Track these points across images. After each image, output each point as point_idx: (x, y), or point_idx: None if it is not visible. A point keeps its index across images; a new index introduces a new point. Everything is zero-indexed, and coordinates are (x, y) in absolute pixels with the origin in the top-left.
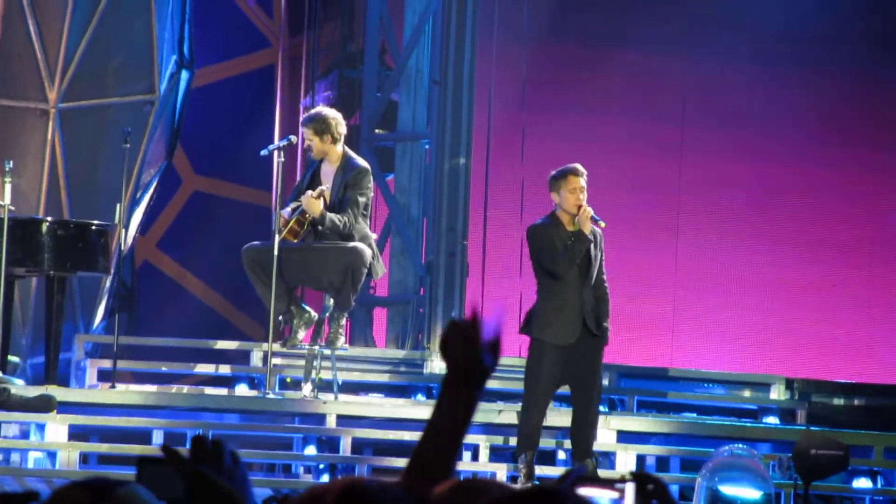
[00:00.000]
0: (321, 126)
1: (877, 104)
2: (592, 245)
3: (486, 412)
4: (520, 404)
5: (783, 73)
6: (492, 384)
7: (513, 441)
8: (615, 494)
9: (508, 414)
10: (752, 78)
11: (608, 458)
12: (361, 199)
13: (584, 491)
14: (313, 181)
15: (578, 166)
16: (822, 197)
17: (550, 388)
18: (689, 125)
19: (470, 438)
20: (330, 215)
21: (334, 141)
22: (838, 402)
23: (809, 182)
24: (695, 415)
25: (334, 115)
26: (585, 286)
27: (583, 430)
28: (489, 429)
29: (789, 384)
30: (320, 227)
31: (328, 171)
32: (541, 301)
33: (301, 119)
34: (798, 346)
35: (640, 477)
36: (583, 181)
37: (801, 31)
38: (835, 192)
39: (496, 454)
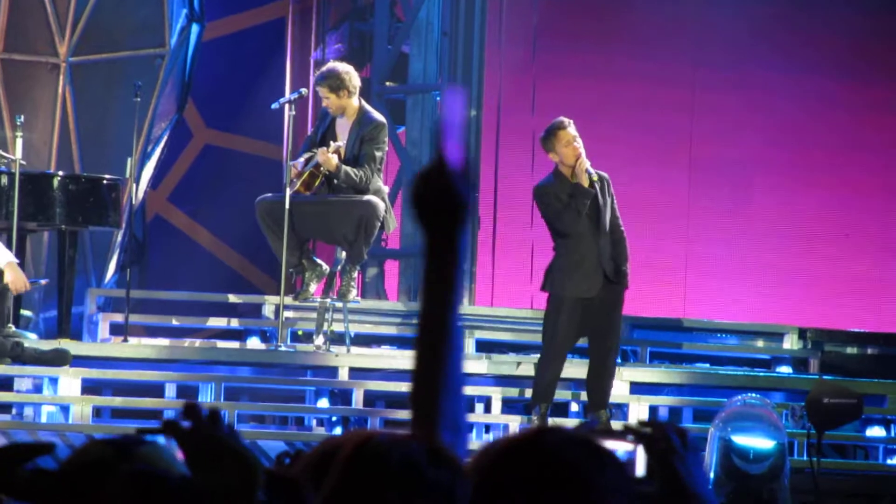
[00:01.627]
0: (336, 82)
1: None
2: (600, 193)
3: (500, 364)
4: (532, 356)
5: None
6: (504, 336)
7: (527, 393)
8: (629, 446)
9: (525, 366)
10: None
11: (621, 410)
12: (377, 154)
13: None
14: (327, 134)
15: (563, 119)
16: (835, 140)
17: (569, 342)
18: (703, 62)
19: (483, 390)
20: (346, 168)
21: (350, 95)
22: (851, 350)
23: (822, 125)
24: (707, 365)
25: (346, 69)
26: (600, 235)
27: (599, 382)
28: (502, 381)
29: (802, 334)
30: (335, 181)
31: (344, 125)
32: (558, 257)
33: (314, 77)
34: (811, 295)
35: (649, 426)
36: (572, 131)
37: None
38: (849, 135)
39: (508, 406)
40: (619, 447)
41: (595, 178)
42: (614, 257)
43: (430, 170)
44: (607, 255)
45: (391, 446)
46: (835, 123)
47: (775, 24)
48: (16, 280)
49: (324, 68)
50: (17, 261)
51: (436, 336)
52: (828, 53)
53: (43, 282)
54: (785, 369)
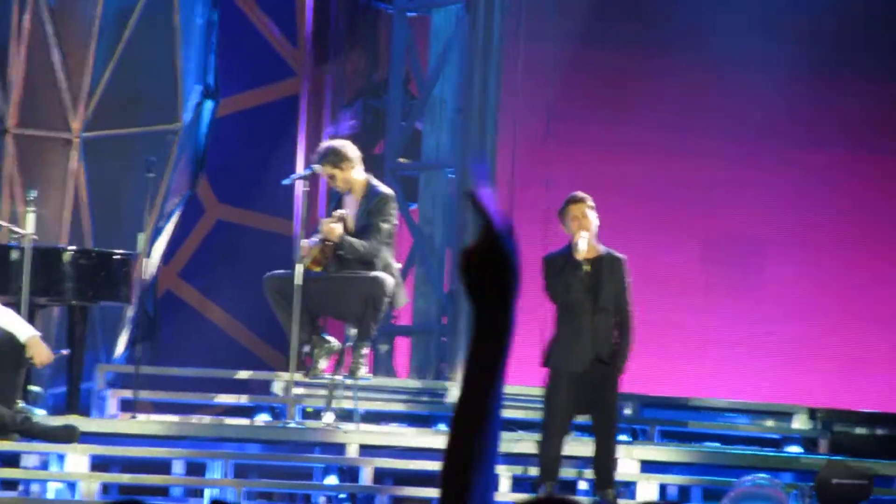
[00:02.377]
0: (334, 158)
1: None
2: (603, 271)
3: (505, 441)
4: (536, 433)
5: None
6: (512, 414)
7: (532, 471)
8: None
9: (527, 443)
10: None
11: (629, 488)
12: (385, 226)
13: None
14: (336, 210)
15: (578, 194)
16: (851, 218)
17: (567, 417)
18: (724, 137)
19: None
20: (349, 239)
21: (352, 166)
22: (861, 431)
23: (837, 199)
24: (717, 444)
25: (342, 143)
26: (596, 313)
27: (602, 460)
28: (510, 458)
29: (812, 413)
30: (340, 252)
31: (352, 200)
32: (555, 329)
33: (314, 159)
34: (821, 375)
35: None
36: (583, 207)
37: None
38: (867, 214)
39: (518, 484)
40: None
41: (582, 253)
42: (608, 338)
43: (481, 242)
44: (602, 335)
45: None
46: (846, 197)
47: (796, 97)
48: (40, 354)
49: (319, 149)
50: (40, 334)
51: (476, 421)
52: (847, 125)
53: (65, 352)
54: (794, 449)
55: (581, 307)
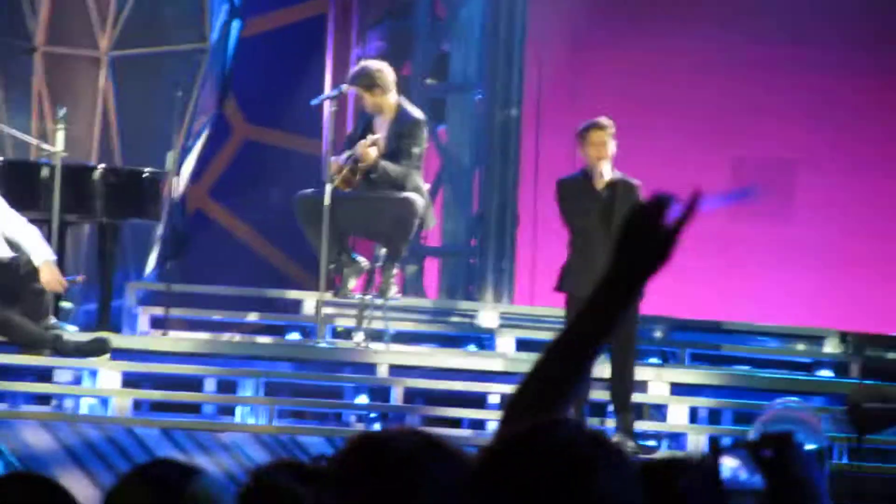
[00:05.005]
0: (367, 80)
1: None
2: (616, 197)
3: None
4: None
5: None
6: (544, 335)
7: None
8: (734, 462)
9: None
10: None
11: (660, 411)
12: (415, 151)
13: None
14: (366, 132)
15: (601, 120)
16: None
17: None
18: (751, 39)
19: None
20: (384, 163)
21: (384, 92)
22: (893, 356)
23: (875, 109)
24: (748, 368)
25: (378, 66)
26: (611, 238)
27: (616, 386)
28: None
29: (843, 337)
30: (373, 175)
31: (382, 123)
32: (570, 255)
33: (348, 77)
34: (854, 300)
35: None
36: (605, 135)
37: None
38: None
39: None
40: (727, 462)
41: (605, 181)
42: None
43: (651, 206)
44: None
45: (391, 438)
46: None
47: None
48: (51, 280)
49: (356, 67)
50: (55, 258)
51: (580, 355)
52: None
53: (79, 278)
54: (826, 373)
55: (595, 232)
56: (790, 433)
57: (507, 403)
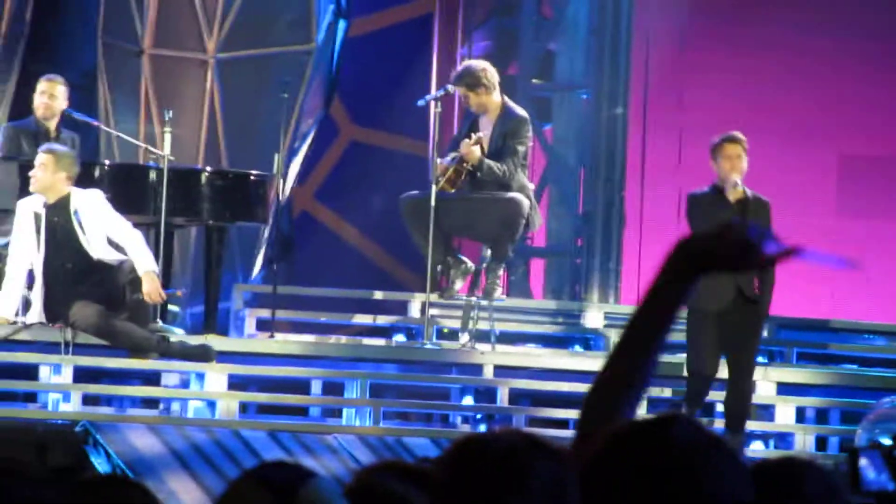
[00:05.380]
0: (471, 80)
1: None
2: (746, 211)
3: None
4: (678, 355)
5: None
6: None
7: (667, 391)
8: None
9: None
10: None
11: (767, 411)
12: (520, 149)
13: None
14: (471, 132)
15: (735, 134)
16: None
17: (712, 354)
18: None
19: None
20: (488, 162)
21: (488, 91)
22: None
23: None
24: (855, 366)
25: (483, 66)
26: None
27: (731, 403)
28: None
29: None
30: (478, 175)
31: (486, 122)
32: None
33: (451, 77)
34: None
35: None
36: (739, 149)
37: None
38: None
39: (653, 404)
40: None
41: (739, 192)
42: (750, 278)
43: (734, 229)
44: (744, 275)
45: (495, 439)
46: None
47: None
48: (151, 291)
49: (459, 67)
50: (157, 269)
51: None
52: None
53: (179, 292)
54: None
55: None
56: None
57: (584, 401)
